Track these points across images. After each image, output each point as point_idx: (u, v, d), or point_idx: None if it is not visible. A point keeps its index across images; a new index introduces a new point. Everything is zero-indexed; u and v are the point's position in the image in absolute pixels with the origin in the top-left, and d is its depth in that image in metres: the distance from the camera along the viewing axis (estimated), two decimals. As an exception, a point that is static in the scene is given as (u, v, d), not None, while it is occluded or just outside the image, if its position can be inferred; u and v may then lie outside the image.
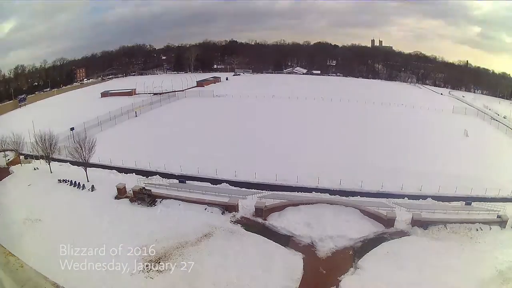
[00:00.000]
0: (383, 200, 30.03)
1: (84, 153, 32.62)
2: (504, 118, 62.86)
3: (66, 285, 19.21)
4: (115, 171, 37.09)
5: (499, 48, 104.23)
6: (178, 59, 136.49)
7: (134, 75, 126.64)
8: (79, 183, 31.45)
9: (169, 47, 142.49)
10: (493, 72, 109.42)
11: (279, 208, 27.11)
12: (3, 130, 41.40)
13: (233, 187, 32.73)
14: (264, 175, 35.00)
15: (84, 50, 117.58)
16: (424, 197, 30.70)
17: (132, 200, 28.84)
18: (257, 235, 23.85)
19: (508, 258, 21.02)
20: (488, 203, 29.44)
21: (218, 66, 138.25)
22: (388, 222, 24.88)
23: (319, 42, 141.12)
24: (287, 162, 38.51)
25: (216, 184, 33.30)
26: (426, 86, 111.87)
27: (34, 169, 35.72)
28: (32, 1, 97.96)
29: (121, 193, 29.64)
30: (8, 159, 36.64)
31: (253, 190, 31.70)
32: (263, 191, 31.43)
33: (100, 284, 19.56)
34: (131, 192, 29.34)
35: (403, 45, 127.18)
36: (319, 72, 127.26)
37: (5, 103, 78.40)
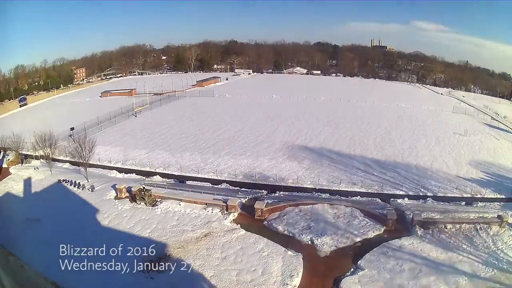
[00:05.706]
0: (383, 200, 30.01)
1: (84, 153, 32.70)
2: (504, 118, 62.90)
3: (66, 285, 19.31)
4: (115, 171, 37.15)
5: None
6: (178, 59, 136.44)
7: (134, 75, 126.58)
8: (79, 183, 31.49)
9: (169, 47, 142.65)
10: (493, 72, 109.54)
11: (279, 208, 27.07)
12: (3, 130, 41.53)
13: (233, 187, 32.70)
14: (264, 175, 35.09)
15: (84, 50, 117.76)
16: (424, 197, 30.67)
17: (132, 200, 28.83)
18: (257, 235, 23.77)
19: (508, 258, 21.03)
20: (488, 203, 29.44)
21: (218, 66, 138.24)
22: (388, 222, 24.86)
23: (319, 42, 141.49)
24: (287, 162, 38.53)
25: (216, 184, 33.30)
26: (426, 86, 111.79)
27: (34, 169, 35.76)
28: (32, 1, 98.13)
29: (121, 193, 29.65)
30: (8, 159, 36.69)
31: (253, 190, 31.66)
32: (263, 191, 31.40)
33: (100, 284, 19.54)
34: (131, 192, 29.36)
35: (403, 45, 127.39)
36: (319, 72, 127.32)
37: (5, 103, 78.46)
